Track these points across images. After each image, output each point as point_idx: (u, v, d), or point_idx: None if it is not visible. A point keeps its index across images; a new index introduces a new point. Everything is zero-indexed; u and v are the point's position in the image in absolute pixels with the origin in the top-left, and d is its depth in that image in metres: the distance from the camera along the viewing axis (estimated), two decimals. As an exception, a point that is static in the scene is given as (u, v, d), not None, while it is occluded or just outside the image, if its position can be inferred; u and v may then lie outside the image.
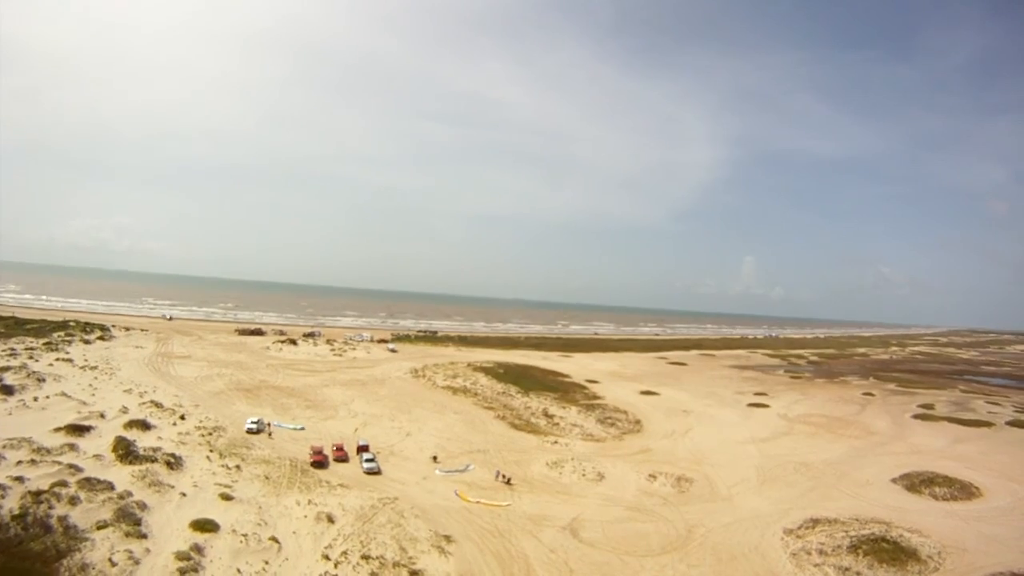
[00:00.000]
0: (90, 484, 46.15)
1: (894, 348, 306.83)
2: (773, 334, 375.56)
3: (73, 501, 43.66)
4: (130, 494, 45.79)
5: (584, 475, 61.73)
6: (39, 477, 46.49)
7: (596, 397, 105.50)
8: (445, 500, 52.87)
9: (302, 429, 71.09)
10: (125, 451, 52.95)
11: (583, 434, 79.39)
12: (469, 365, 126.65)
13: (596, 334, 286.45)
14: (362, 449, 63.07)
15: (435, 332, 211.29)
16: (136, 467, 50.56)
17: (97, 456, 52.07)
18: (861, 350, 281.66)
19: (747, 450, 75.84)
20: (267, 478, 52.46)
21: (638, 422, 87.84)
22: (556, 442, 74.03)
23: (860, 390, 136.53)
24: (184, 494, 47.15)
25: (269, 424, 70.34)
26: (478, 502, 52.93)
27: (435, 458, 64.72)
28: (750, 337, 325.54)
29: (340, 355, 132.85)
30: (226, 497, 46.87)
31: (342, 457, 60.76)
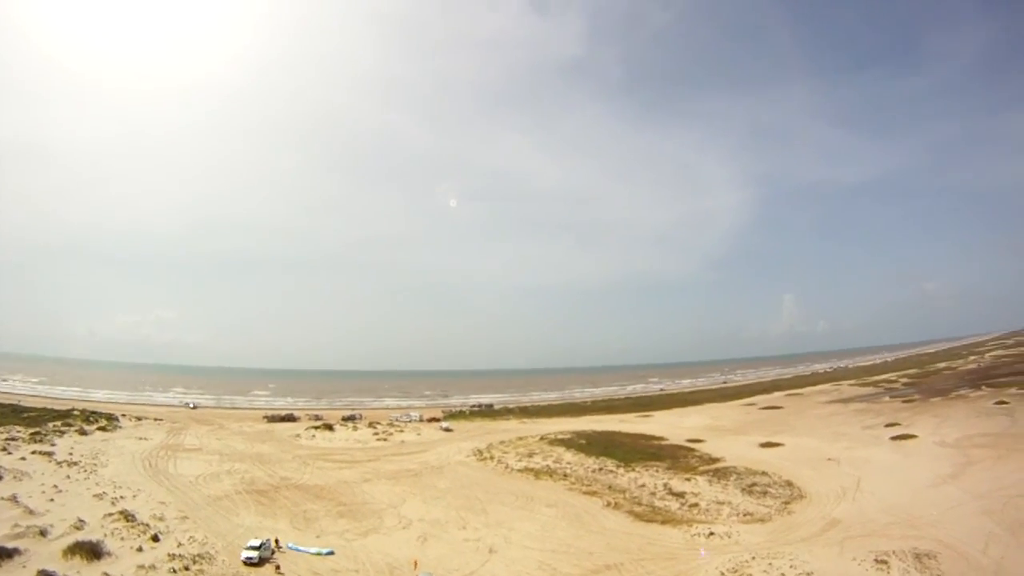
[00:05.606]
0: None
1: (972, 358, 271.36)
2: (843, 365, 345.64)
3: None
4: None
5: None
6: None
7: (714, 460, 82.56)
8: None
9: (330, 554, 46.12)
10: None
11: (737, 513, 58.24)
12: (542, 438, 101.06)
13: (663, 389, 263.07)
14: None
15: (491, 405, 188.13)
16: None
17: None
18: (942, 364, 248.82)
19: (950, 494, 59.12)
20: None
21: (790, 484, 67.63)
22: (711, 533, 52.34)
23: (987, 400, 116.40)
24: None
25: (279, 546, 45.80)
26: None
27: (545, 594, 39.15)
28: (820, 372, 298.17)
29: (385, 439, 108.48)
30: None
31: (392, 610, 35.53)
